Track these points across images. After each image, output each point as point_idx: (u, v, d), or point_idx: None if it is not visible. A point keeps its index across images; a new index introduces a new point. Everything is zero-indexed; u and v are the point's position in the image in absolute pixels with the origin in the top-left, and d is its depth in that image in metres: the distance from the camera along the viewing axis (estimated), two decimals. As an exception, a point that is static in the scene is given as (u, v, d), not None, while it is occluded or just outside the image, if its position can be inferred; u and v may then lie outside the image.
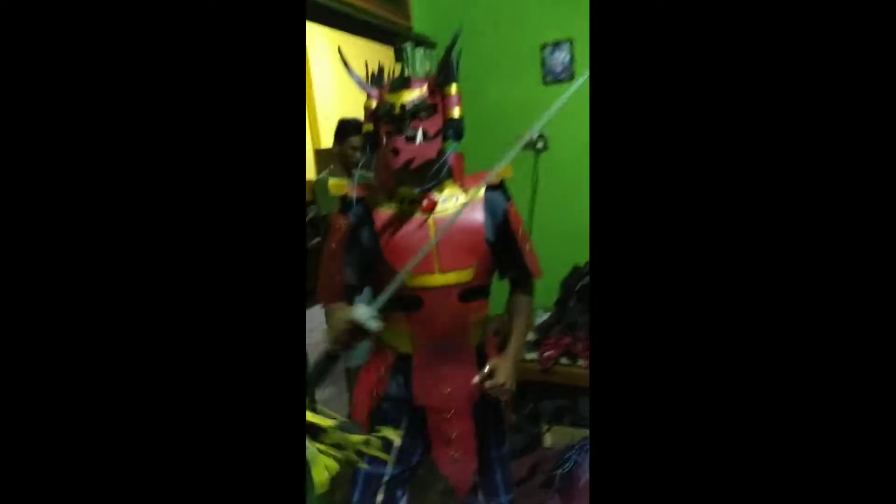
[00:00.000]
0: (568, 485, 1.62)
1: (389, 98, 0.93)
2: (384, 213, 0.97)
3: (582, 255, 2.18)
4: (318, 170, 3.14)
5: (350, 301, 1.05)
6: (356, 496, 1.03)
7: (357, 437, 0.79)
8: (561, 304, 2.13)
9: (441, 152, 0.94)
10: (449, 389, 0.99)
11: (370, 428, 1.02)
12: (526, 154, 2.28)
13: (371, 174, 1.08)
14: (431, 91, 0.93)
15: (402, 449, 1.03)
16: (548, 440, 1.98)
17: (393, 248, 0.95)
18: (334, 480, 0.79)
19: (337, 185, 1.01)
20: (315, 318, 1.68)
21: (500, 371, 0.93)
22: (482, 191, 1.00)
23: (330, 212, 1.40)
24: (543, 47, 2.17)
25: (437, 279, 0.95)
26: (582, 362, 1.95)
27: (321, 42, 4.10)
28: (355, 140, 2.01)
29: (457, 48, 0.94)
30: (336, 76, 4.31)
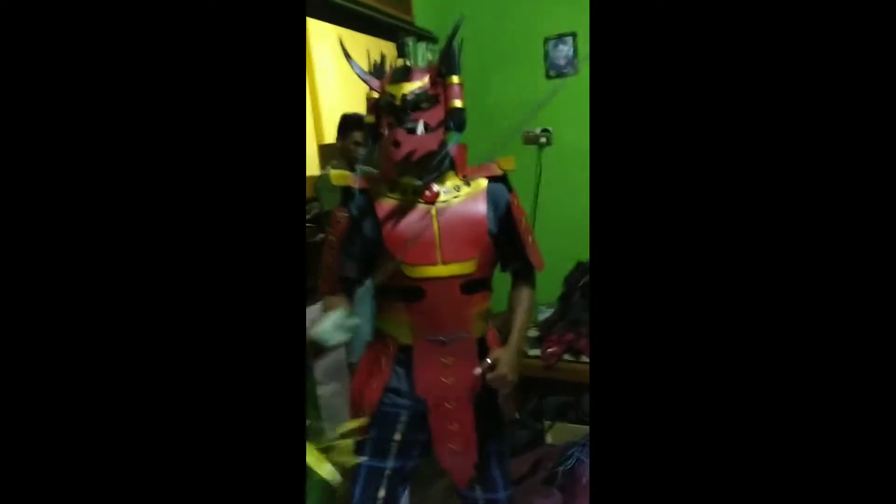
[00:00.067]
0: (570, 482, 1.62)
1: (391, 89, 0.92)
2: (387, 203, 0.96)
3: (585, 252, 2.15)
4: (322, 165, 3.14)
5: (349, 294, 1.05)
6: (357, 492, 1.03)
7: (320, 447, 0.79)
8: (564, 300, 2.13)
9: (443, 144, 0.94)
10: (450, 381, 0.99)
11: (370, 421, 1.02)
12: (529, 149, 2.27)
13: (373, 169, 1.08)
14: (433, 82, 0.92)
15: (402, 442, 1.02)
16: (551, 437, 1.98)
17: (395, 239, 0.94)
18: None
19: (339, 175, 1.01)
20: (318, 314, 1.69)
21: (503, 363, 0.92)
22: (484, 182, 0.99)
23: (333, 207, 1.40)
24: (547, 41, 2.15)
25: (439, 270, 0.95)
26: (585, 359, 1.95)
27: (325, 38, 4.10)
28: (357, 135, 2.00)
29: (458, 38, 0.93)
30: (340, 72, 4.31)
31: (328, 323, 0.94)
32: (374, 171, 1.09)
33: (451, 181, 0.98)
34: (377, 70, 0.98)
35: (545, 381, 2.06)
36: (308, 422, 0.77)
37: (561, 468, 1.65)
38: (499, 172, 1.01)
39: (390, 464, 1.02)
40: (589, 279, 2.07)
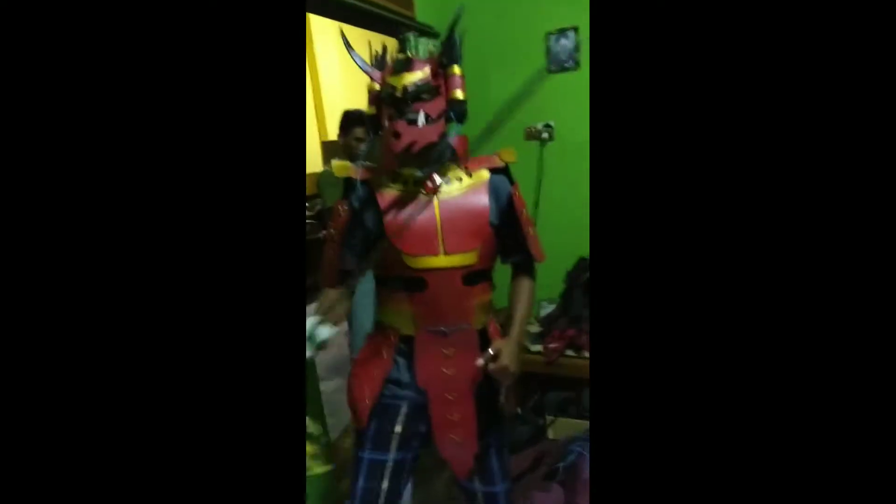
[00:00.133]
0: (571, 477, 1.62)
1: (391, 80, 0.92)
2: (388, 194, 0.96)
3: (587, 248, 2.15)
4: (325, 162, 3.15)
5: (349, 286, 1.05)
6: (360, 483, 1.03)
7: None
8: (566, 296, 2.12)
9: (443, 135, 0.93)
10: (451, 372, 0.99)
11: (371, 412, 1.02)
12: (531, 145, 2.26)
13: (373, 164, 1.08)
14: (434, 73, 0.92)
15: (403, 434, 1.03)
16: (552, 432, 1.98)
17: (397, 230, 0.94)
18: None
19: (341, 166, 1.01)
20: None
21: (504, 354, 0.92)
22: (486, 174, 0.99)
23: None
24: (548, 36, 2.14)
25: (441, 261, 0.95)
26: (586, 354, 1.94)
27: (328, 36, 4.10)
28: (359, 131, 2.00)
29: (459, 28, 0.93)
30: (343, 70, 4.31)
31: (311, 320, 0.94)
32: (374, 165, 1.09)
33: (453, 172, 0.98)
34: (378, 61, 0.98)
35: (547, 376, 2.06)
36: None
37: (562, 463, 1.65)
38: (500, 164, 1.01)
39: (392, 456, 1.03)
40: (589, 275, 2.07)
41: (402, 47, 0.95)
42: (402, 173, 0.96)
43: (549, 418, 2.01)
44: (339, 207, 0.99)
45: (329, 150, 3.26)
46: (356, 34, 1.97)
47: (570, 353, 1.99)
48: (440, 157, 0.94)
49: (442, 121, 0.93)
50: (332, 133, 2.99)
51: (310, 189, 2.41)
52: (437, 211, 0.95)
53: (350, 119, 2.06)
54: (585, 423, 1.91)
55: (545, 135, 2.22)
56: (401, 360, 1.02)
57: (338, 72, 4.33)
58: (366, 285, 1.23)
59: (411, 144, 0.90)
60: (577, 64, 2.13)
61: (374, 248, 0.99)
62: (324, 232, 1.95)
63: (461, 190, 0.97)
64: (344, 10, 1.83)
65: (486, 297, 1.03)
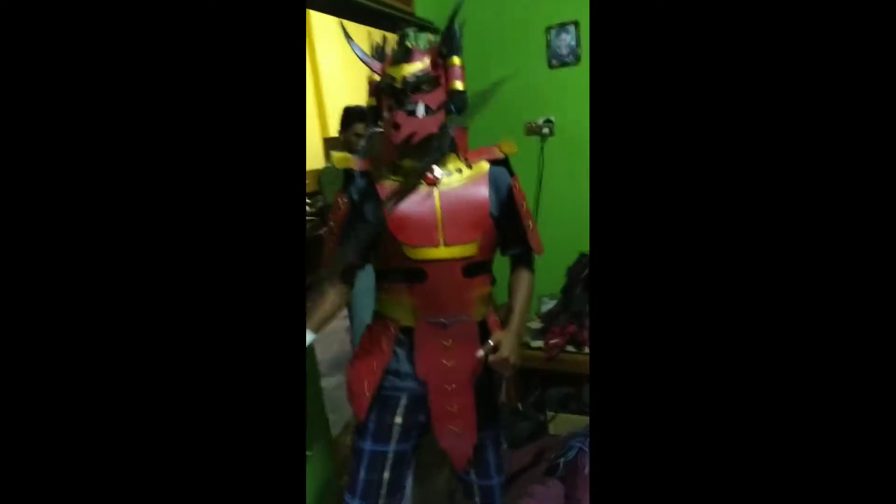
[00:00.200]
0: (571, 472, 1.62)
1: (391, 71, 0.92)
2: (388, 185, 0.96)
3: (588, 243, 2.15)
4: (327, 158, 3.15)
5: (348, 279, 1.06)
6: (362, 474, 1.03)
7: None
8: (567, 291, 2.12)
9: (443, 126, 0.93)
10: (451, 364, 0.99)
11: (371, 404, 1.02)
12: (532, 140, 2.25)
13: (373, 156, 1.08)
14: (434, 64, 0.92)
15: (403, 425, 1.03)
16: (553, 428, 1.98)
17: (398, 221, 0.94)
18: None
19: (341, 158, 1.01)
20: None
21: (504, 345, 0.92)
22: (486, 165, 0.99)
23: None
24: (548, 30, 2.13)
25: (441, 252, 0.95)
26: (587, 350, 1.94)
27: (329, 33, 4.10)
28: (359, 127, 2.00)
29: (459, 18, 0.92)
30: (344, 67, 4.31)
31: None
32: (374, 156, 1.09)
33: (453, 164, 0.98)
34: (378, 52, 0.98)
35: (547, 372, 2.05)
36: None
37: (562, 459, 1.65)
38: (500, 156, 1.01)
39: (392, 447, 1.03)
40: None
41: (402, 41, 0.95)
42: (403, 165, 0.96)
43: (549, 414, 2.01)
44: (339, 200, 0.99)
45: (331, 146, 3.26)
46: (356, 30, 1.96)
47: (570, 348, 1.99)
48: (440, 149, 0.94)
49: (442, 112, 0.92)
50: (334, 130, 2.99)
51: (311, 186, 2.41)
52: (437, 202, 0.95)
53: (351, 115, 2.06)
54: (586, 419, 1.91)
55: (545, 130, 2.21)
56: (400, 351, 1.02)
57: (339, 69, 4.33)
58: (366, 282, 1.23)
59: (411, 135, 0.90)
60: (577, 59, 2.12)
61: (377, 244, 0.99)
62: (325, 229, 1.95)
63: (461, 181, 0.97)
64: (344, 6, 1.82)
65: (485, 289, 1.03)
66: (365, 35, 1.07)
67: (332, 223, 1.01)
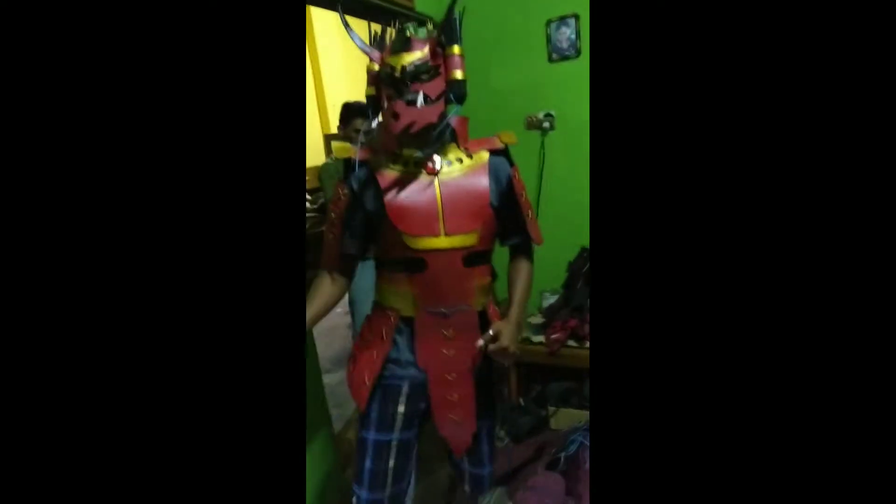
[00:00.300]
0: (573, 466, 1.62)
1: (390, 60, 0.91)
2: (389, 175, 0.96)
3: (588, 238, 2.14)
4: (328, 154, 3.15)
5: (348, 271, 1.06)
6: (367, 464, 1.04)
7: None
8: (568, 286, 2.12)
9: (443, 115, 0.93)
10: (451, 353, 0.99)
11: (372, 394, 1.03)
12: (533, 135, 2.24)
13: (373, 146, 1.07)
14: (433, 53, 0.91)
15: (405, 414, 1.04)
16: (555, 422, 1.98)
17: (398, 210, 0.94)
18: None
19: (341, 148, 1.00)
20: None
21: (504, 335, 0.93)
22: (486, 155, 0.99)
23: None
24: (548, 23, 2.12)
25: (442, 242, 0.95)
26: (588, 345, 1.94)
27: (329, 30, 4.09)
28: (359, 122, 2.00)
29: (458, 6, 0.91)
30: (345, 63, 4.30)
31: None
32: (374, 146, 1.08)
33: (453, 153, 0.98)
34: (377, 42, 0.98)
35: (549, 367, 2.05)
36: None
37: (564, 453, 1.65)
38: (500, 146, 1.00)
39: (396, 435, 1.04)
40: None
41: (401, 31, 0.95)
42: (402, 154, 0.96)
43: (551, 409, 2.01)
44: (339, 190, 0.99)
45: (331, 143, 3.26)
46: (356, 24, 1.96)
47: (572, 343, 1.99)
48: (440, 138, 0.93)
49: (441, 102, 0.92)
50: (335, 126, 2.99)
51: (312, 183, 2.41)
52: (437, 192, 0.95)
53: (350, 110, 2.06)
54: (587, 414, 1.91)
55: (546, 124, 2.21)
56: (400, 340, 1.02)
57: (340, 66, 4.32)
58: (367, 278, 1.23)
59: (410, 125, 0.89)
60: (577, 52, 2.11)
61: (378, 234, 0.99)
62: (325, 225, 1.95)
63: (461, 171, 0.97)
64: (344, 2, 1.82)
65: (485, 279, 1.03)
66: (365, 28, 1.07)
67: (332, 214, 1.01)
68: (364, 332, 1.08)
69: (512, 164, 1.02)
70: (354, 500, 1.06)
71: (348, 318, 2.34)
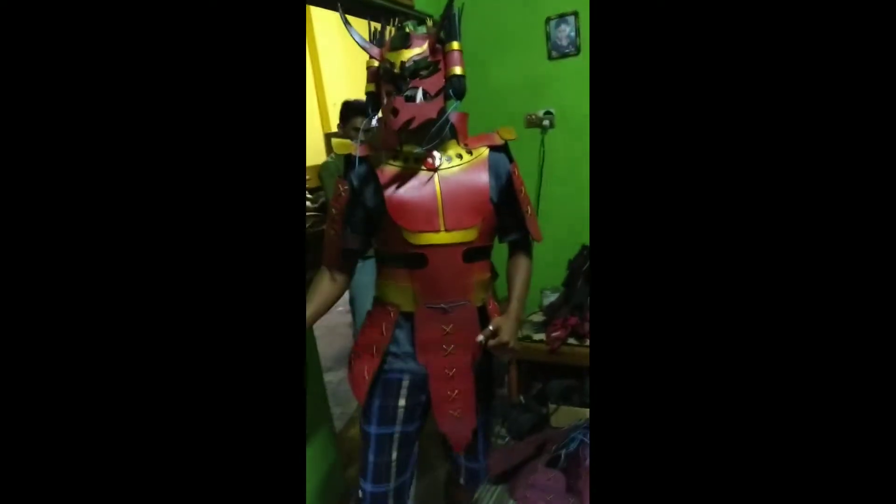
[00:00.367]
0: (573, 463, 1.62)
1: (390, 56, 0.91)
2: (389, 171, 0.96)
3: (589, 236, 2.14)
4: (328, 154, 3.15)
5: (349, 267, 1.06)
6: (371, 458, 1.05)
7: None
8: (568, 284, 2.12)
9: (442, 111, 0.93)
10: (451, 348, 1.00)
11: (373, 388, 1.03)
12: (533, 133, 2.24)
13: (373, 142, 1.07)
14: (432, 49, 0.91)
15: (406, 407, 1.04)
16: (555, 420, 1.99)
17: (398, 206, 0.94)
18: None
19: (341, 144, 1.01)
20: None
21: (504, 330, 0.93)
22: (486, 151, 0.99)
23: None
24: (548, 21, 2.11)
25: (442, 237, 0.95)
26: (589, 343, 1.94)
27: (330, 29, 4.09)
28: (359, 121, 2.00)
29: (457, 3, 0.92)
30: (345, 62, 4.30)
31: None
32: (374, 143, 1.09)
33: (453, 149, 0.98)
34: (377, 38, 0.98)
35: (549, 365, 2.06)
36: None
37: (564, 450, 1.66)
38: (500, 142, 1.01)
39: (398, 427, 1.05)
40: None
41: (401, 28, 0.95)
42: (402, 150, 0.96)
43: (551, 406, 2.01)
44: (340, 186, 1.00)
45: (331, 140, 3.26)
46: (356, 23, 1.96)
47: (572, 341, 1.99)
48: (439, 134, 0.93)
49: (441, 97, 0.92)
50: (335, 125, 2.99)
51: (313, 181, 2.41)
52: (437, 188, 0.95)
53: (350, 109, 2.05)
54: (588, 411, 1.91)
55: (546, 122, 2.21)
56: (400, 335, 1.03)
57: (340, 65, 4.32)
58: (367, 278, 1.23)
59: (409, 121, 0.89)
60: (577, 50, 2.11)
61: (379, 229, 0.99)
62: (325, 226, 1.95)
63: (461, 167, 0.97)
64: (344, 0, 1.82)
65: (485, 274, 1.04)
66: (365, 26, 1.07)
67: (333, 210, 1.01)
68: (364, 328, 1.09)
69: (511, 159, 1.02)
70: (360, 493, 1.06)
71: (349, 317, 2.34)
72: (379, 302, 1.07)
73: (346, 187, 0.99)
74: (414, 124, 0.90)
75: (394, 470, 1.05)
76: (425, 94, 0.90)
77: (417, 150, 0.94)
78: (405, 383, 1.04)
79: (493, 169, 0.99)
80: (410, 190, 0.94)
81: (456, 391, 1.01)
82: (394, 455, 1.05)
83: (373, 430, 1.04)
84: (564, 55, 2.13)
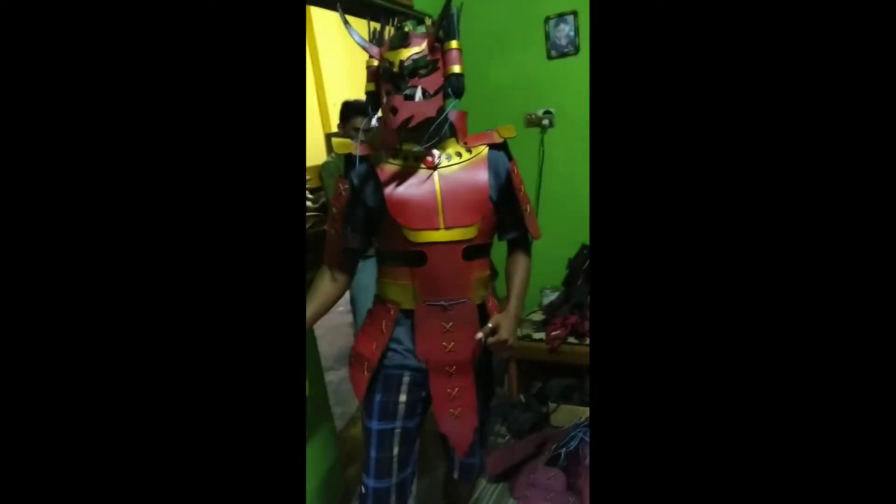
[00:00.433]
0: (573, 462, 1.63)
1: (389, 56, 0.92)
2: (389, 169, 0.97)
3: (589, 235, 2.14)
4: (329, 154, 3.15)
5: (349, 267, 1.07)
6: (373, 453, 1.05)
7: None
8: (568, 283, 2.12)
9: (441, 110, 0.93)
10: (450, 346, 1.00)
11: (373, 384, 1.04)
12: (533, 132, 2.25)
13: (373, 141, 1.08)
14: (431, 48, 0.92)
15: (407, 403, 1.05)
16: (556, 419, 1.99)
17: (398, 204, 0.95)
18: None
19: (341, 143, 1.01)
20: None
21: (503, 327, 0.93)
22: (485, 149, 1.00)
23: None
24: (547, 20, 2.12)
25: (442, 235, 0.95)
26: (589, 341, 1.94)
27: (330, 29, 4.09)
28: (359, 121, 2.00)
29: (456, 2, 0.92)
30: (345, 63, 4.30)
31: None
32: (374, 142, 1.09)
33: (452, 148, 0.98)
34: (376, 38, 0.98)
35: (550, 363, 2.06)
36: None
37: (564, 449, 1.66)
38: (499, 140, 1.01)
39: (399, 423, 1.05)
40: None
41: (400, 27, 0.95)
42: (402, 149, 0.96)
43: (551, 405, 2.02)
44: (340, 185, 1.00)
45: (331, 140, 3.26)
46: (356, 23, 1.96)
47: (572, 340, 1.99)
48: (438, 132, 0.94)
49: (440, 96, 0.93)
50: (335, 125, 2.99)
51: (314, 182, 2.42)
52: (437, 186, 0.95)
53: (350, 109, 2.06)
54: (588, 410, 1.91)
55: (545, 121, 2.21)
56: (400, 332, 1.03)
57: (340, 65, 4.32)
58: (368, 277, 1.23)
59: (409, 119, 0.90)
60: (576, 49, 2.11)
61: (379, 227, 0.99)
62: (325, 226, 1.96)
63: (461, 165, 0.97)
64: (343, 0, 1.82)
65: (485, 272, 1.04)
66: (365, 26, 1.08)
67: (333, 209, 1.02)
68: (365, 326, 1.09)
69: (511, 158, 1.02)
70: (363, 488, 1.07)
71: (350, 317, 2.35)
72: (379, 300, 1.08)
73: (346, 186, 0.99)
74: (413, 122, 0.90)
75: (395, 466, 1.05)
76: (424, 92, 0.91)
77: (417, 148, 0.94)
78: (406, 379, 1.04)
79: (493, 167, 0.99)
80: (410, 188, 0.95)
81: (456, 388, 1.02)
82: (395, 451, 1.05)
83: (374, 425, 1.05)
84: (563, 54, 2.13)
